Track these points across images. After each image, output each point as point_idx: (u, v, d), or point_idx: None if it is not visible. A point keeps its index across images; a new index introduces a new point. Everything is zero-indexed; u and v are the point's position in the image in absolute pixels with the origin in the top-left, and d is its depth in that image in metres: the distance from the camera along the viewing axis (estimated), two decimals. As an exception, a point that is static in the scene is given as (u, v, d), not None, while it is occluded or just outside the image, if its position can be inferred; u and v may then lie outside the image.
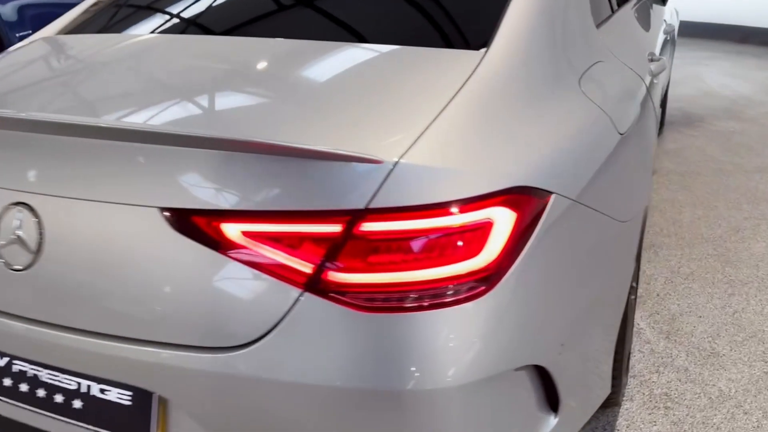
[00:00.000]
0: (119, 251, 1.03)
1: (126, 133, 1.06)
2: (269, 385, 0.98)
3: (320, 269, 0.97)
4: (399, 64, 1.31)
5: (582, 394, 1.34)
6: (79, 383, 1.13)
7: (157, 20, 1.67)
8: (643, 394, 1.94)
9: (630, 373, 2.02)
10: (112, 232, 1.04)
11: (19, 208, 1.09)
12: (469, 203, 1.00)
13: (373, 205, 0.97)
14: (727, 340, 2.19)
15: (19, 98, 1.32)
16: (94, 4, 1.83)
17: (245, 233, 0.99)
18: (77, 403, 1.14)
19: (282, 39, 1.43)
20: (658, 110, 1.98)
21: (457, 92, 1.16)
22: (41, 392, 1.16)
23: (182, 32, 1.59)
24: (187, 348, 1.01)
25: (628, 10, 2.20)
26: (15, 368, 1.18)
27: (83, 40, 1.63)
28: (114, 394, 1.11)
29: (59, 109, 1.25)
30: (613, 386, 1.63)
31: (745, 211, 3.16)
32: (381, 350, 0.96)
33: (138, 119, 1.15)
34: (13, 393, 1.19)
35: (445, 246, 0.99)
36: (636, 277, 1.93)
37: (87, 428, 1.14)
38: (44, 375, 1.16)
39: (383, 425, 1.00)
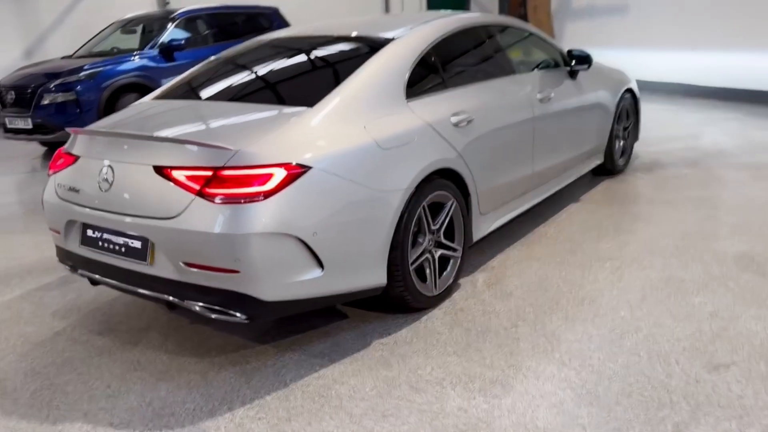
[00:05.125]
0: (139, 182, 2.69)
1: (141, 137, 2.75)
2: (184, 232, 2.57)
3: (202, 187, 2.55)
4: (266, 113, 2.92)
5: (346, 268, 2.79)
6: (124, 240, 2.79)
7: (181, 92, 3.44)
8: (448, 306, 3.29)
9: (448, 299, 3.37)
10: (137, 175, 2.70)
11: (107, 166, 2.80)
12: (264, 166, 2.56)
13: (226, 165, 2.55)
14: (525, 289, 3.46)
15: (116, 124, 3.09)
16: (170, 86, 3.63)
17: (180, 174, 2.60)
18: (122, 249, 2.79)
19: (218, 101, 3.15)
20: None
21: (284, 124, 2.74)
22: (109, 245, 2.83)
23: (181, 98, 3.36)
24: (159, 219, 2.63)
25: (471, 88, 3.63)
26: (102, 236, 2.86)
27: (154, 102, 3.40)
28: (135, 243, 2.75)
29: (126, 128, 2.98)
30: (400, 290, 3.04)
31: (621, 226, 4.31)
32: (226, 217, 2.52)
33: (152, 131, 2.84)
34: (99, 247, 2.87)
35: (251, 182, 2.54)
36: (447, 236, 3.31)
37: (126, 259, 2.78)
38: (112, 237, 2.83)
39: (227, 249, 2.53)
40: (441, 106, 3.34)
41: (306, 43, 3.64)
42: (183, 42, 8.56)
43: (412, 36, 3.46)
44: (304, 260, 2.67)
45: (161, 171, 2.65)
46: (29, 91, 7.75)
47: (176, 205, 2.60)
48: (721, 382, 2.53)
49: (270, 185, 2.55)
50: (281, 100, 3.04)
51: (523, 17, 12.49)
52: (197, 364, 2.92)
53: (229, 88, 3.39)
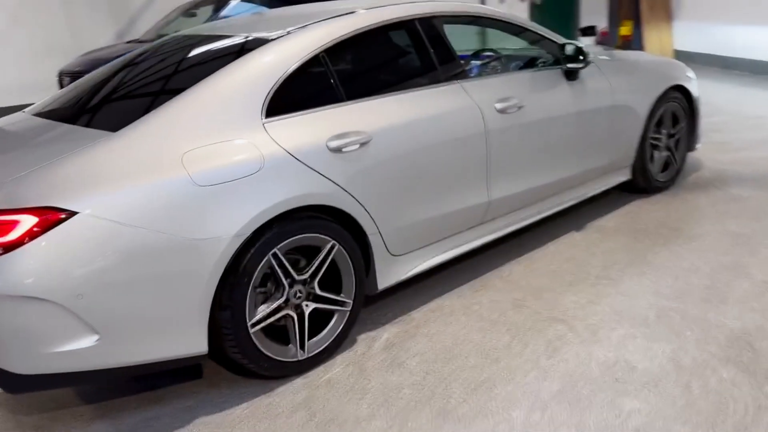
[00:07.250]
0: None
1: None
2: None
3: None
4: (66, 140, 2.42)
5: (137, 336, 2.25)
6: None
7: (48, 109, 2.99)
8: (316, 375, 2.66)
9: (327, 362, 2.73)
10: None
11: None
12: (9, 212, 2.08)
13: (-29, 208, 2.11)
14: (425, 358, 2.73)
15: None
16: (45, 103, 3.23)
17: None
18: None
19: (58, 122, 2.69)
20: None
21: (62, 156, 2.23)
22: None
23: (39, 116, 2.88)
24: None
25: (380, 102, 2.88)
26: None
27: (25, 117, 2.99)
28: None
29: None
30: (237, 357, 2.48)
31: (608, 272, 3.38)
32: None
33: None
34: None
35: (-11, 230, 2.07)
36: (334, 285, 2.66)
37: None
38: None
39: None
40: (317, 126, 2.66)
41: (184, 48, 3.05)
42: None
43: (296, 37, 2.78)
44: (68, 327, 2.16)
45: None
46: (83, 76, 7.83)
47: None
48: None
49: (13, 235, 2.07)
50: (97, 123, 2.53)
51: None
52: (12, 422, 2.54)
53: (77, 105, 2.86)
